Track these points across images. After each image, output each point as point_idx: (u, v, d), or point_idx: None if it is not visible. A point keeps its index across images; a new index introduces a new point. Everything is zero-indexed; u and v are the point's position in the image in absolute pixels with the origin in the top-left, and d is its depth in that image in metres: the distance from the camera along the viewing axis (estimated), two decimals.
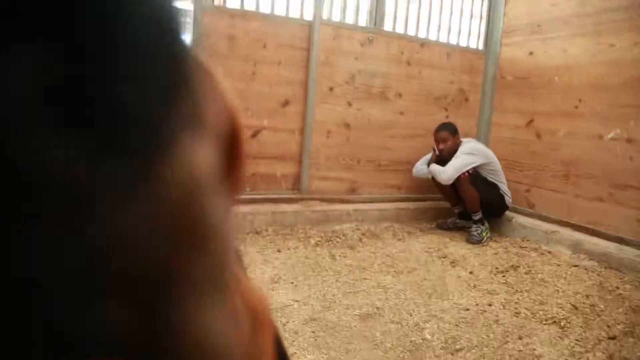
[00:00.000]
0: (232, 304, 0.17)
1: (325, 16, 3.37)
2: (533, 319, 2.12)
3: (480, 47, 4.04)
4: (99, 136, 0.12)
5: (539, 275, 2.61)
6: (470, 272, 2.62)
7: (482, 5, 4.01)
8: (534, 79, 3.59)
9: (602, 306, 2.25)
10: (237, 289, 0.18)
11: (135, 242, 0.12)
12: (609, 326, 2.07)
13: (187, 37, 0.15)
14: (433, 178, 3.36)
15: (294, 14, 3.31)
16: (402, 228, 3.35)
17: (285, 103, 3.27)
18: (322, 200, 3.38)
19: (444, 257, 2.84)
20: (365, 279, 2.42)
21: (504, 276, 2.59)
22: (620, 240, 2.87)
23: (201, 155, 0.15)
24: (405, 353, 1.79)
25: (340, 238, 3.00)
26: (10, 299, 0.11)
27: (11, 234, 0.11)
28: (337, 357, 1.73)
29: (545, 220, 3.36)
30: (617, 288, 2.45)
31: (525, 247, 3.10)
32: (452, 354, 1.81)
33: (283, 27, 3.20)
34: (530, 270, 2.68)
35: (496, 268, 2.70)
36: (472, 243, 3.14)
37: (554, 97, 3.42)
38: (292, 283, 2.30)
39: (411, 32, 3.75)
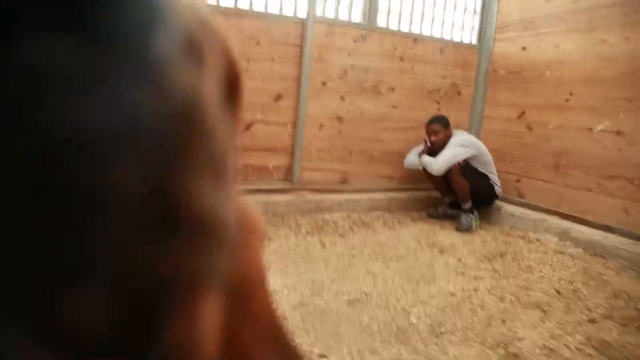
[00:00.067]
0: (231, 189, 0.17)
1: (319, 12, 3.42)
2: (517, 304, 2.17)
3: (474, 42, 4.09)
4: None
5: (525, 262, 2.66)
6: (459, 259, 2.68)
7: (475, 0, 4.05)
8: (526, 73, 3.65)
9: (584, 291, 2.31)
10: (235, 184, 0.18)
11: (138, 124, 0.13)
12: (589, 310, 2.12)
13: None
14: (424, 169, 3.42)
15: (288, 11, 3.36)
16: (393, 217, 3.41)
17: (278, 97, 3.33)
18: (314, 190, 3.44)
19: (433, 245, 2.89)
20: (355, 266, 2.48)
21: (491, 263, 2.65)
22: (606, 229, 2.92)
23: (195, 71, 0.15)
24: (392, 336, 1.84)
25: (331, 227, 3.06)
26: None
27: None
28: (324, 340, 1.78)
29: (534, 209, 3.42)
30: (601, 274, 2.51)
31: (513, 235, 3.16)
32: (436, 337, 1.86)
33: (276, 24, 3.26)
34: (517, 257, 2.73)
35: (484, 255, 2.76)
36: (462, 231, 3.21)
37: (546, 90, 3.47)
38: (282, 270, 2.36)
39: (404, 28, 3.80)
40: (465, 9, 4.04)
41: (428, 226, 3.31)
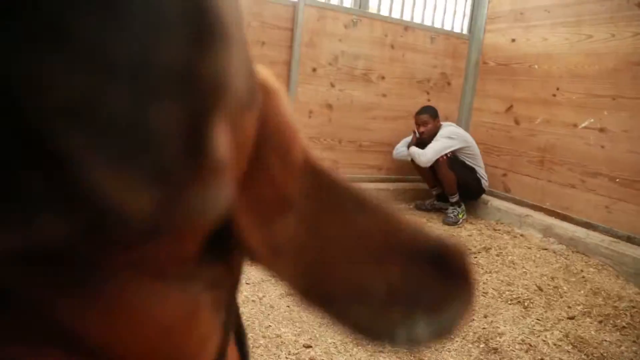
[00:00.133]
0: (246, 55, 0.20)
1: None
2: (499, 299, 2.21)
3: (465, 32, 4.08)
4: None
5: (509, 257, 2.71)
6: None
7: None
8: (515, 66, 3.65)
9: (565, 288, 2.36)
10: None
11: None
12: (569, 307, 2.17)
13: None
14: (412, 160, 3.43)
15: None
16: None
17: None
18: None
19: None
20: None
21: (475, 257, 2.69)
22: (588, 226, 2.97)
23: None
24: None
25: None
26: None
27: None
28: (310, 330, 1.80)
29: (519, 204, 3.46)
30: (582, 271, 2.56)
31: (499, 230, 3.20)
32: None
33: (267, 7, 3.20)
34: (502, 252, 2.77)
35: (469, 249, 2.78)
36: (448, 224, 3.24)
37: (533, 84, 3.49)
38: None
39: (396, 14, 3.77)
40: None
41: (415, 218, 3.32)
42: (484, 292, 2.26)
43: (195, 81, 0.14)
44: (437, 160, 3.27)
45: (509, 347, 1.82)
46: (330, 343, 1.74)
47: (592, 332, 1.98)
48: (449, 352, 1.77)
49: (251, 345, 1.66)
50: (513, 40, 3.70)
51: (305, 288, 0.26)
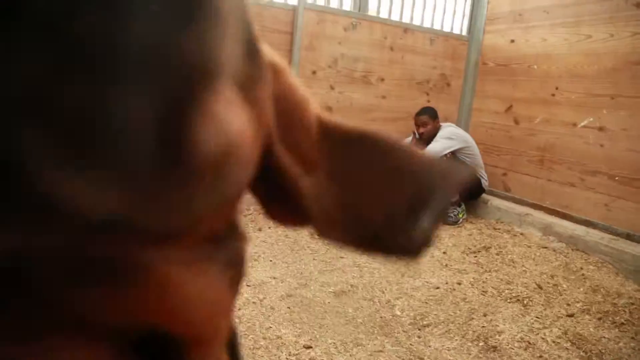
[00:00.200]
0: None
1: (309, 0, 3.40)
2: (499, 297, 2.23)
3: (464, 33, 4.10)
4: None
5: (509, 256, 2.72)
6: (444, 252, 2.73)
7: None
8: (515, 66, 3.67)
9: (564, 286, 2.38)
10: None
11: None
12: (568, 304, 2.19)
13: None
14: None
15: None
16: None
17: None
18: None
19: None
20: (342, 257, 2.52)
21: (475, 256, 2.71)
22: (587, 224, 2.99)
23: None
24: (375, 328, 1.89)
25: None
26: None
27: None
28: (310, 331, 1.82)
29: (519, 203, 3.48)
30: (581, 269, 2.58)
31: (499, 229, 3.22)
32: (419, 329, 1.91)
33: (267, 11, 3.23)
34: (501, 251, 2.79)
35: (469, 248, 2.81)
36: (448, 224, 3.25)
37: (533, 84, 3.50)
38: (270, 261, 2.39)
39: (395, 17, 3.79)
40: (455, 0, 4.03)
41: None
42: (483, 291, 2.28)
43: (174, 60, 0.13)
44: None
45: (508, 345, 1.84)
46: (330, 343, 1.75)
47: (591, 329, 1.99)
48: (449, 350, 1.78)
49: (252, 347, 1.68)
50: (512, 41, 3.71)
51: (353, 235, 0.28)
